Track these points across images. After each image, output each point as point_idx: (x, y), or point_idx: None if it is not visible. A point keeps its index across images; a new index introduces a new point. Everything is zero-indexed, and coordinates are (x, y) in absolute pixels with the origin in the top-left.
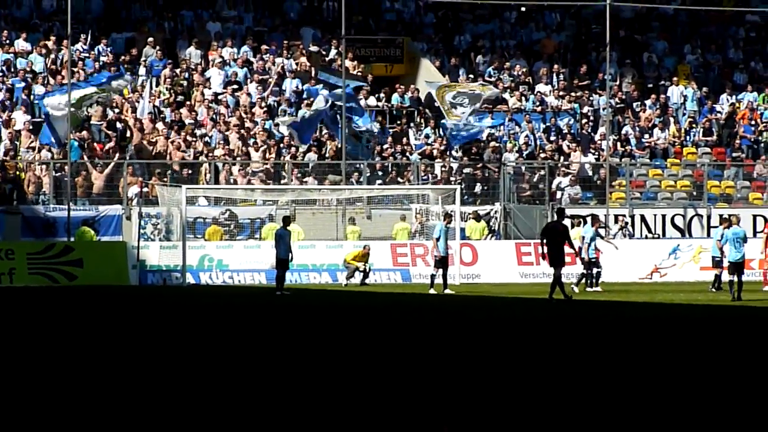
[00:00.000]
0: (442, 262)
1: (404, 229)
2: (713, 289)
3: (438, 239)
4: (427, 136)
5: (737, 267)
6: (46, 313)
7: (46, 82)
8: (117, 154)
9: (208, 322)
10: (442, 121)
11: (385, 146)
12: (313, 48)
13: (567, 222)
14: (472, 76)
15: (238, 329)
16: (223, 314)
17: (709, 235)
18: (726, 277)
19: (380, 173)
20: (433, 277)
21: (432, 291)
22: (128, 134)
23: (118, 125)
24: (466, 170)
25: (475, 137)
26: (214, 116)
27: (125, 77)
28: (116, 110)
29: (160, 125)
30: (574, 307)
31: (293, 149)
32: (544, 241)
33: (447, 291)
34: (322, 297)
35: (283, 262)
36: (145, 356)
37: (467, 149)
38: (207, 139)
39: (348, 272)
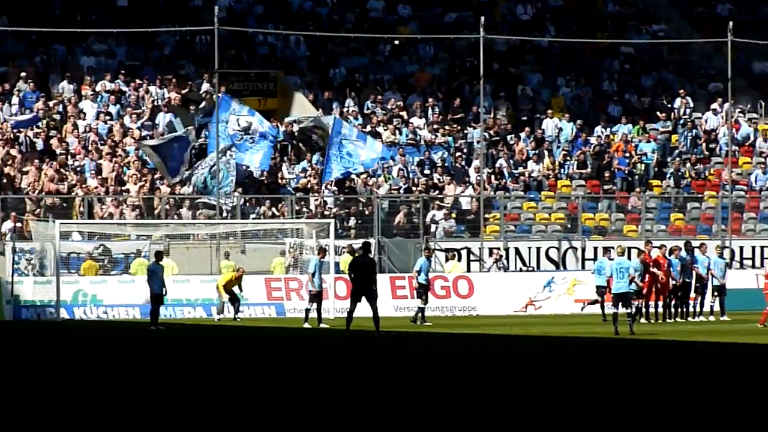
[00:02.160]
0: (317, 297)
1: (281, 263)
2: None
3: (313, 274)
4: (304, 170)
5: (624, 298)
6: None
7: None
8: None
9: (80, 358)
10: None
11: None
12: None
13: (440, 255)
14: (346, 109)
15: (110, 365)
16: (95, 350)
17: (584, 267)
18: (609, 309)
19: (254, 207)
20: (307, 311)
21: (306, 325)
22: None
23: None
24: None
25: (351, 172)
26: (86, 144)
27: None
28: None
29: (14, 151)
30: (442, 342)
31: (166, 182)
32: (352, 276)
33: (322, 325)
34: (196, 332)
35: (157, 297)
36: (15, 391)
37: (340, 183)
38: (79, 168)
39: (218, 306)
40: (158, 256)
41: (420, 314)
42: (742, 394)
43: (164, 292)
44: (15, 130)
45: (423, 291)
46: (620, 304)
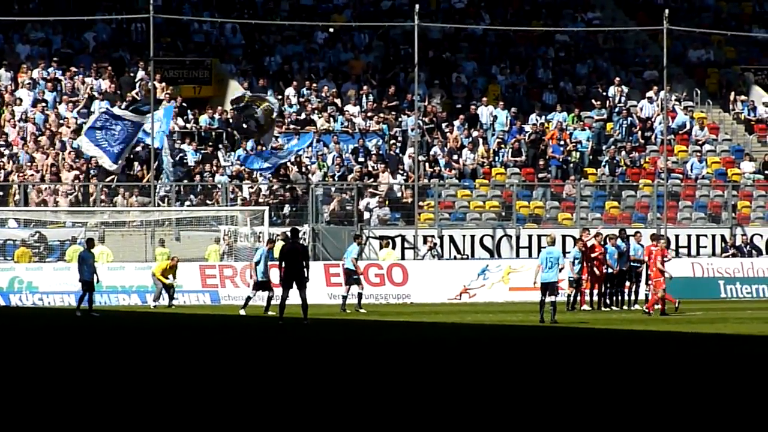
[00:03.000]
0: (261, 286)
1: (216, 250)
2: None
3: (257, 263)
4: (239, 158)
5: (551, 287)
6: None
7: None
8: None
9: (17, 343)
10: (243, 153)
11: (193, 167)
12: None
13: (375, 243)
14: (280, 97)
15: (44, 351)
16: (28, 336)
17: (518, 255)
18: (537, 298)
19: (189, 195)
20: (248, 299)
21: (242, 312)
22: None
23: None
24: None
25: (284, 160)
26: (24, 135)
27: None
28: None
29: None
30: (376, 329)
31: (102, 171)
32: (283, 263)
33: (269, 313)
34: (131, 319)
35: (87, 284)
36: None
37: (275, 170)
38: (18, 156)
39: (155, 293)
40: (90, 244)
41: (344, 302)
42: (670, 381)
43: (96, 279)
44: None
45: (348, 277)
46: (547, 292)
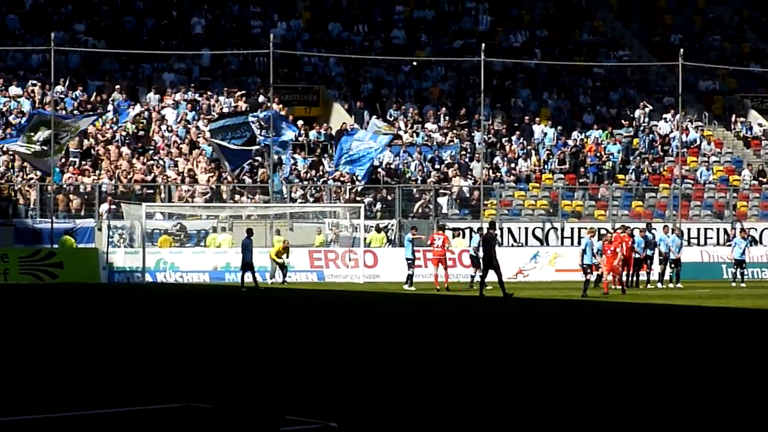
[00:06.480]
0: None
1: (322, 239)
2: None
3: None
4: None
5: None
6: (37, 305)
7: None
8: (91, 178)
9: (162, 311)
10: (343, 164)
11: (303, 172)
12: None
13: (449, 233)
14: (375, 116)
15: (185, 315)
16: (173, 306)
17: (563, 243)
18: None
19: (300, 193)
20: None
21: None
22: (99, 161)
23: (92, 152)
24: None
25: (372, 161)
26: (168, 144)
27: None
28: (91, 140)
29: (125, 150)
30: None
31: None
32: (481, 248)
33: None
34: (254, 292)
35: (248, 265)
36: (116, 334)
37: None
38: (162, 162)
39: (271, 271)
40: (249, 233)
41: (473, 281)
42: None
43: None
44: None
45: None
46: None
